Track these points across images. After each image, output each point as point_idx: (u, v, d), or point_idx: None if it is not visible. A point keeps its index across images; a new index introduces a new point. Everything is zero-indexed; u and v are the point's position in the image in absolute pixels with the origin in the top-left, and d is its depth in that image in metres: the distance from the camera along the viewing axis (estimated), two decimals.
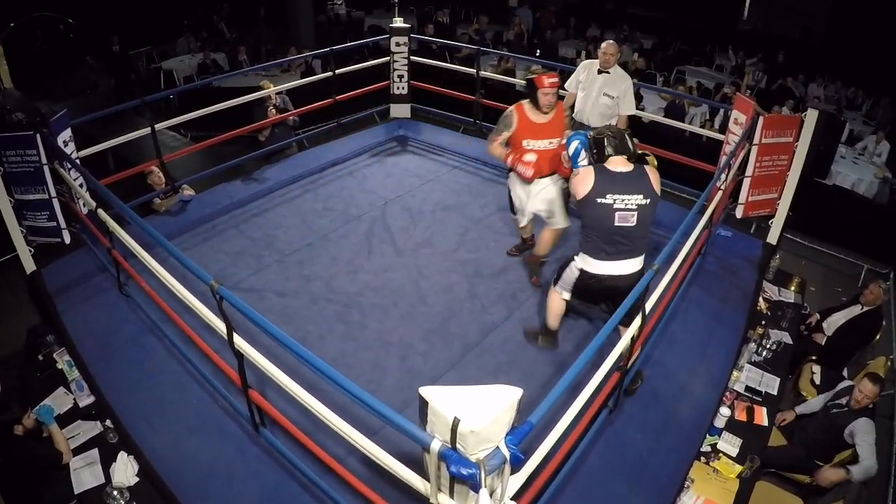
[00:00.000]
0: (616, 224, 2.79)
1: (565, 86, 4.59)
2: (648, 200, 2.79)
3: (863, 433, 3.36)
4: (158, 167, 4.67)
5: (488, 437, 1.57)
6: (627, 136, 2.85)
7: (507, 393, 1.62)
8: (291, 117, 5.65)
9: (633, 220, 2.78)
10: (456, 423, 1.53)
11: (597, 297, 3.21)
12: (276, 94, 5.57)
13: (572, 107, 4.59)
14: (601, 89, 4.41)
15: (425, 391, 1.64)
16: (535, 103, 3.48)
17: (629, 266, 2.93)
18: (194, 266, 2.47)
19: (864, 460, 3.26)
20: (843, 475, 3.30)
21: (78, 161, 3.93)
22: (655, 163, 5.80)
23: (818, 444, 3.59)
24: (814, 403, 3.89)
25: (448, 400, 1.60)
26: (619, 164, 2.82)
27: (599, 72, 4.43)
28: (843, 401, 3.59)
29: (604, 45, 4.46)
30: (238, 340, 2.42)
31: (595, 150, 2.87)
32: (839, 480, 3.33)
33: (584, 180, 2.83)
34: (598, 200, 2.78)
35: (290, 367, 2.41)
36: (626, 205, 2.76)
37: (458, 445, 1.57)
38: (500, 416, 1.58)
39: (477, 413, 1.55)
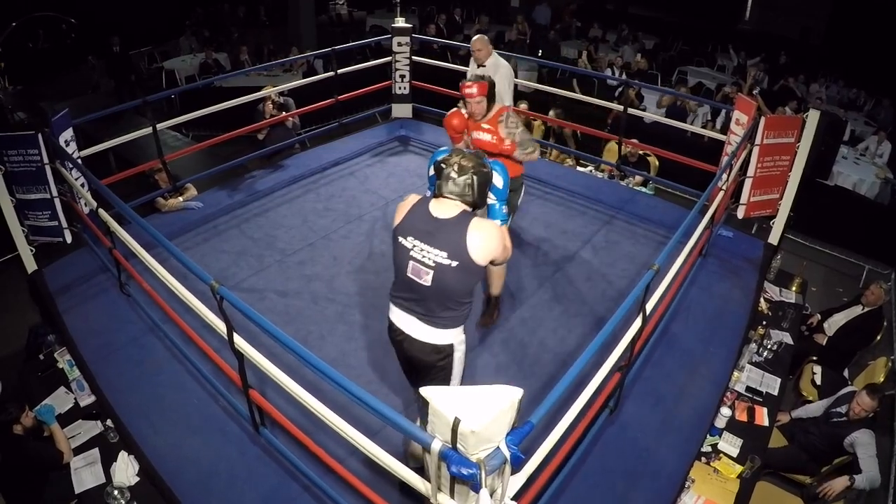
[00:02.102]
0: (408, 274, 2.23)
1: None
2: (454, 263, 2.12)
3: (863, 445, 3.35)
4: (160, 167, 4.68)
5: (489, 437, 1.57)
6: (473, 176, 2.18)
7: (508, 393, 1.62)
8: (291, 119, 5.64)
9: (426, 279, 2.17)
10: (456, 423, 1.53)
11: (400, 358, 2.57)
12: (278, 94, 5.58)
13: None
14: None
15: (426, 391, 1.64)
16: None
17: (418, 328, 2.30)
18: (195, 266, 2.47)
19: (867, 472, 3.25)
20: (846, 483, 3.28)
21: (80, 161, 3.94)
22: (657, 163, 5.86)
23: (818, 451, 3.59)
24: (812, 408, 3.88)
25: (448, 400, 1.59)
26: (442, 206, 2.20)
27: (478, 66, 4.57)
28: (844, 409, 3.58)
29: (472, 40, 4.57)
30: (238, 340, 2.42)
31: (436, 176, 2.26)
32: (843, 490, 3.31)
33: (402, 208, 2.29)
34: (399, 239, 2.24)
35: (291, 367, 2.42)
36: (422, 257, 2.17)
37: (458, 445, 1.57)
38: (501, 416, 1.58)
39: (477, 413, 1.54)
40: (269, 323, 2.21)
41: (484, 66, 4.53)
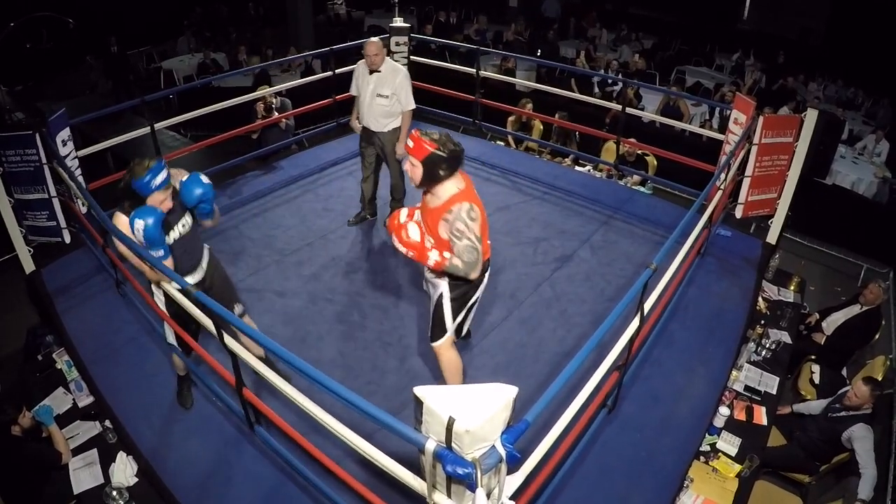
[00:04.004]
0: None
1: (350, 91, 4.37)
2: None
3: (860, 439, 3.34)
4: None
5: (484, 436, 1.57)
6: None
7: (502, 391, 1.62)
8: (284, 121, 5.63)
9: None
10: (451, 422, 1.53)
11: None
12: (275, 95, 5.57)
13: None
14: (374, 91, 4.14)
15: (420, 390, 1.64)
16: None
17: None
18: (170, 271, 2.41)
19: (865, 469, 3.24)
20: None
21: (77, 160, 3.94)
22: (655, 162, 5.87)
23: (817, 447, 3.59)
24: (813, 405, 3.88)
25: (443, 399, 1.59)
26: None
27: (371, 72, 4.15)
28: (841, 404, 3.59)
29: (365, 45, 4.11)
30: (228, 340, 2.41)
31: None
32: None
33: None
34: None
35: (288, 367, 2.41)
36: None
37: (453, 445, 1.57)
38: (496, 414, 1.58)
39: (472, 412, 1.54)
40: (245, 324, 2.18)
41: (379, 71, 4.09)
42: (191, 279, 2.70)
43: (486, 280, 2.83)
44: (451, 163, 2.52)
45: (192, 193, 2.55)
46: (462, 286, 2.74)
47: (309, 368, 1.97)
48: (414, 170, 2.56)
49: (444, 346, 2.88)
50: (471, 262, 2.54)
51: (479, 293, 2.84)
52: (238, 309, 2.95)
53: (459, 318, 2.83)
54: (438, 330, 2.85)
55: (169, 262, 2.53)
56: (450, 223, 2.52)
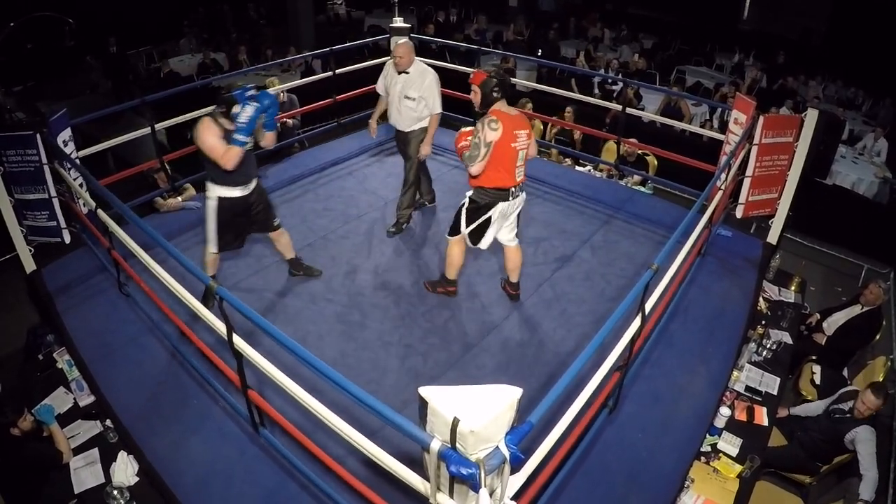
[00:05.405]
0: None
1: (376, 88, 4.47)
2: None
3: (863, 442, 3.34)
4: (159, 167, 4.68)
5: (488, 436, 1.57)
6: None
7: (507, 392, 1.62)
8: (292, 120, 5.63)
9: None
10: (455, 422, 1.53)
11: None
12: (283, 92, 5.56)
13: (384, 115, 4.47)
14: (401, 92, 4.15)
15: (425, 391, 1.64)
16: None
17: None
18: (193, 266, 2.46)
19: (867, 471, 3.24)
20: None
21: (78, 161, 3.93)
22: (655, 162, 5.87)
23: (818, 447, 3.59)
24: (811, 408, 3.88)
25: (448, 399, 1.59)
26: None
27: (399, 72, 4.16)
28: (846, 406, 3.57)
29: (394, 46, 4.13)
30: (237, 341, 2.41)
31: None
32: None
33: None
34: None
35: (290, 367, 2.41)
36: None
37: (457, 445, 1.57)
38: (500, 415, 1.58)
39: (477, 413, 1.54)
40: (268, 323, 2.20)
41: (407, 73, 4.13)
42: (242, 191, 3.34)
43: (507, 206, 3.32)
44: (502, 85, 3.15)
45: (265, 100, 3.10)
46: (477, 202, 3.33)
47: (320, 364, 1.98)
48: (475, 95, 3.17)
49: (453, 241, 3.60)
50: (470, 156, 3.13)
51: (494, 213, 3.33)
52: (276, 221, 3.66)
53: (472, 227, 3.40)
54: (454, 230, 3.52)
55: (237, 155, 3.08)
56: (475, 126, 3.15)
